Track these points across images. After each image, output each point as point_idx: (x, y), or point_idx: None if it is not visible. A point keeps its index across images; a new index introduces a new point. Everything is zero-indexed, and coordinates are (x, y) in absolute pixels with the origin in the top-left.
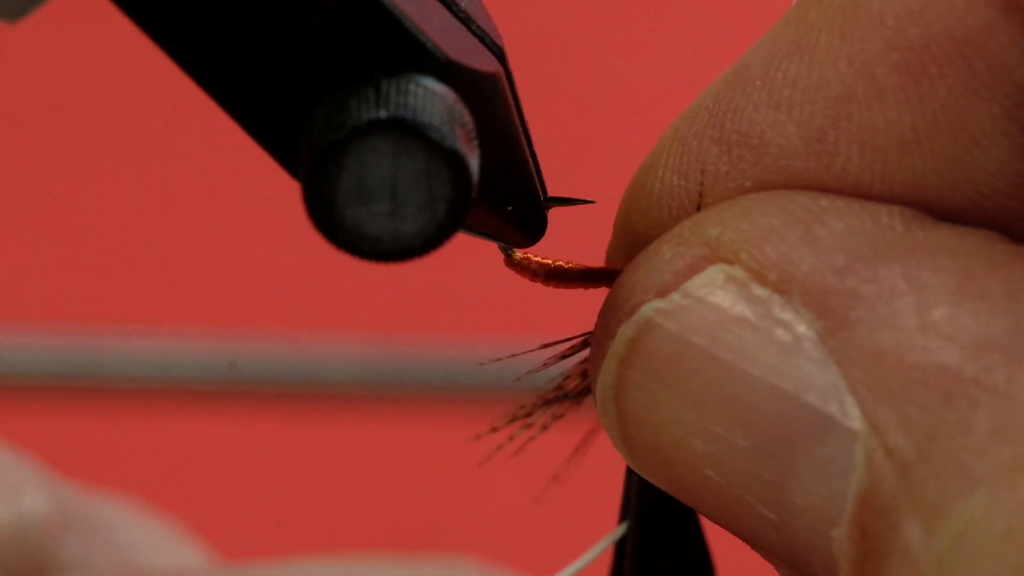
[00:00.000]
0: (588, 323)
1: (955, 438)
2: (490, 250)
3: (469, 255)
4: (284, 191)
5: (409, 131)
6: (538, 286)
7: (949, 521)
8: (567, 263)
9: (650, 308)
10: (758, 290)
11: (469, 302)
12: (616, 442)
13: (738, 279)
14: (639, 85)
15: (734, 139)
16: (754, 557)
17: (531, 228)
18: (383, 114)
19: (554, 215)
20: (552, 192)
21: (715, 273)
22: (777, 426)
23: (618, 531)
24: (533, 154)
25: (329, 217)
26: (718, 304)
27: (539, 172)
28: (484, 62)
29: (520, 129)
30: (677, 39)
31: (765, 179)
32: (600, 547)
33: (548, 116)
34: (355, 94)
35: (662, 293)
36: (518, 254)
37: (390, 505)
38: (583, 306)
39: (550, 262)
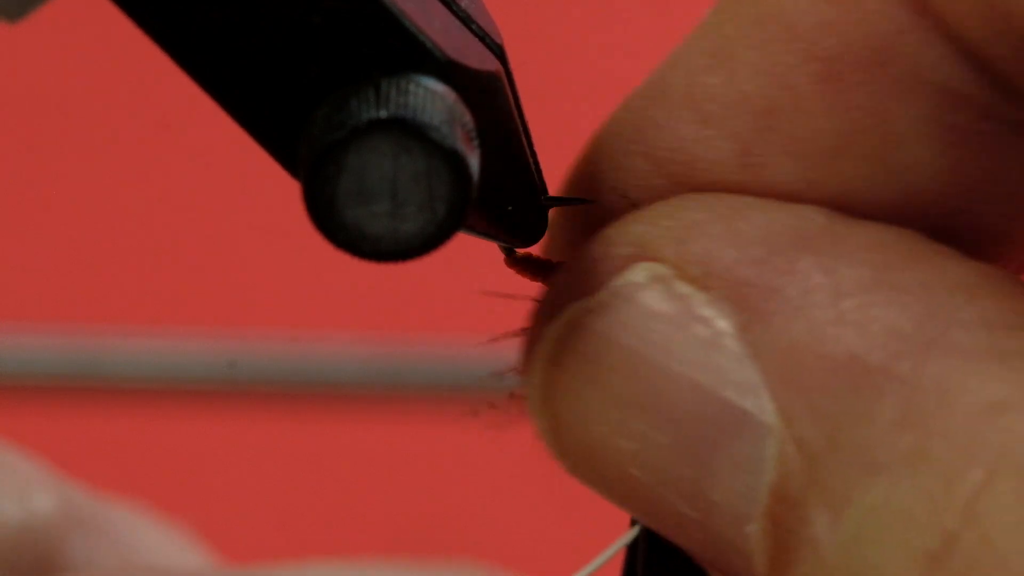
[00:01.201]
0: None
1: (861, 427)
2: (490, 250)
3: (469, 255)
4: (284, 191)
5: (409, 131)
6: (538, 286)
7: (852, 509)
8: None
9: (576, 307)
10: (680, 287)
11: (469, 302)
12: (549, 446)
13: (662, 276)
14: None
15: (664, 156)
16: None
17: (531, 228)
18: (383, 114)
19: (554, 215)
20: (552, 192)
21: (639, 271)
22: (696, 422)
23: (629, 534)
24: (533, 154)
25: (329, 217)
26: (641, 302)
27: (539, 172)
28: (484, 61)
29: (520, 129)
30: (677, 39)
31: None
32: (611, 551)
33: (548, 116)
34: (355, 94)
35: (588, 293)
36: (518, 254)
37: (391, 505)
38: None
39: (551, 261)
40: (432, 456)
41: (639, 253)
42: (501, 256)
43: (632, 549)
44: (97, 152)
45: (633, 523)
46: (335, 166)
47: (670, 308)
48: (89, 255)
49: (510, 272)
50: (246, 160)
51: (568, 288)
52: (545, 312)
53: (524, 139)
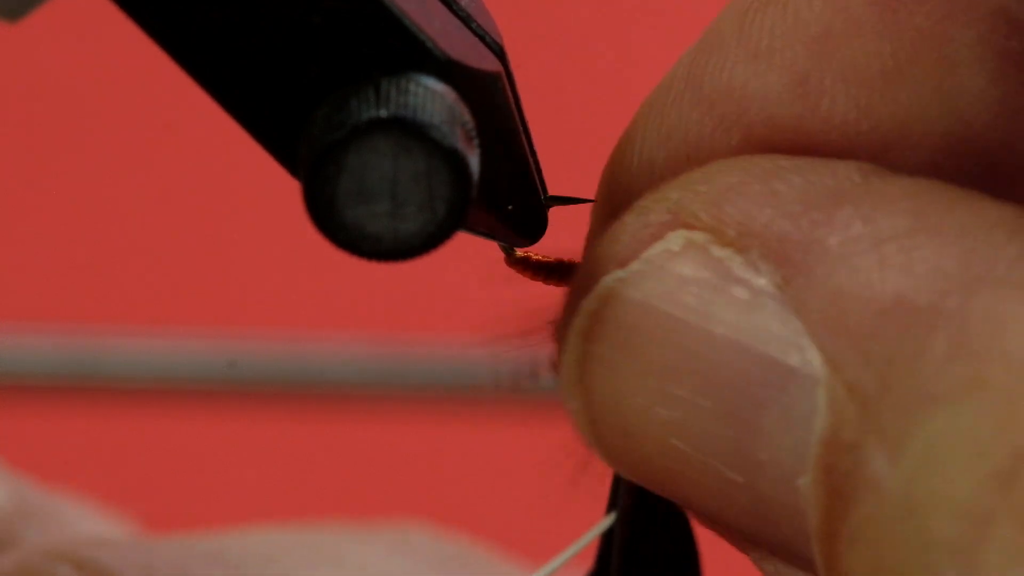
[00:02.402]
0: None
1: (914, 364)
2: (490, 250)
3: (469, 255)
4: (284, 191)
5: (409, 130)
6: (539, 286)
7: (913, 442)
8: (568, 261)
9: (611, 278)
10: (717, 251)
11: (470, 302)
12: (582, 426)
13: (697, 242)
14: (639, 84)
15: (715, 98)
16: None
17: (531, 227)
18: (383, 113)
19: (554, 214)
20: (552, 191)
21: (675, 238)
22: (739, 382)
23: (605, 522)
24: (533, 153)
25: (329, 217)
26: (677, 269)
27: (539, 171)
28: (484, 61)
29: (520, 128)
30: (678, 39)
31: (752, 133)
32: (586, 539)
33: (548, 116)
34: (355, 94)
35: (623, 263)
36: (518, 253)
37: (391, 505)
38: None
39: (551, 261)
40: (432, 456)
41: (673, 220)
42: (501, 256)
43: (607, 537)
44: (97, 152)
45: (608, 511)
46: (335, 166)
47: (707, 272)
48: (89, 255)
49: (510, 272)
50: (246, 160)
51: (602, 260)
52: (579, 286)
53: (524, 139)
